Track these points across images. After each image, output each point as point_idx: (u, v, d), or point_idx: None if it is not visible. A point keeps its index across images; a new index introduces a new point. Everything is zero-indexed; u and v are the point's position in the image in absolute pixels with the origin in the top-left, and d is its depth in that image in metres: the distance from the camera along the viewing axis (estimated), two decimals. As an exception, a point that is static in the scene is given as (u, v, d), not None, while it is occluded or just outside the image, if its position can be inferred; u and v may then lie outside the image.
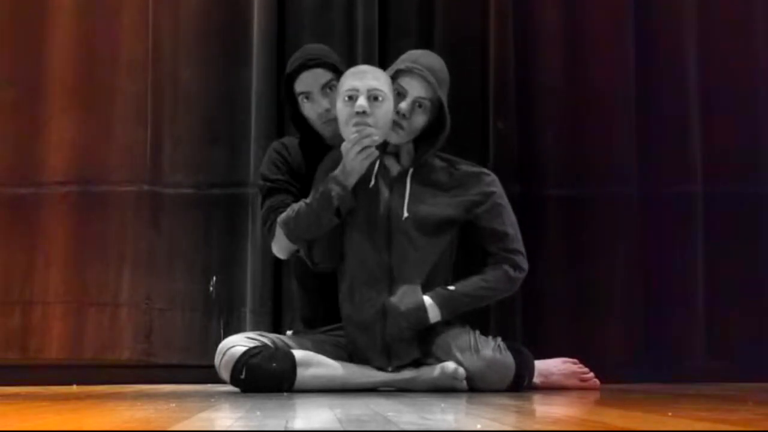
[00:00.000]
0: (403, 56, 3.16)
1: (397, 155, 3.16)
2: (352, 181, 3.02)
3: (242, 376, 2.98)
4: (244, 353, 3.00)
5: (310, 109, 3.25)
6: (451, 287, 3.07)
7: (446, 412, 2.05)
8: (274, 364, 2.99)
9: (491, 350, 3.02)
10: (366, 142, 2.96)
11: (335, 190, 2.99)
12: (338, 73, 3.21)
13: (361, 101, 2.99)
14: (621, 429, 1.69)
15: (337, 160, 3.07)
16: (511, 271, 3.11)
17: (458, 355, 2.99)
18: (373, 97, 3.00)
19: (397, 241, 3.08)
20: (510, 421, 1.85)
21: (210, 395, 2.83)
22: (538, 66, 3.97)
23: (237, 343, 3.04)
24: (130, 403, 2.50)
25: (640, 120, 3.92)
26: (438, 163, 3.17)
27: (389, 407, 2.17)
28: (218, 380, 3.23)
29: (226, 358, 3.02)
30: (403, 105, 3.05)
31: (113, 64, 3.98)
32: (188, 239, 3.92)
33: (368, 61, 3.68)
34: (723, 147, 3.93)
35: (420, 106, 3.09)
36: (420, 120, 3.10)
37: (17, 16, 4.00)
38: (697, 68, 3.95)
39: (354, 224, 3.09)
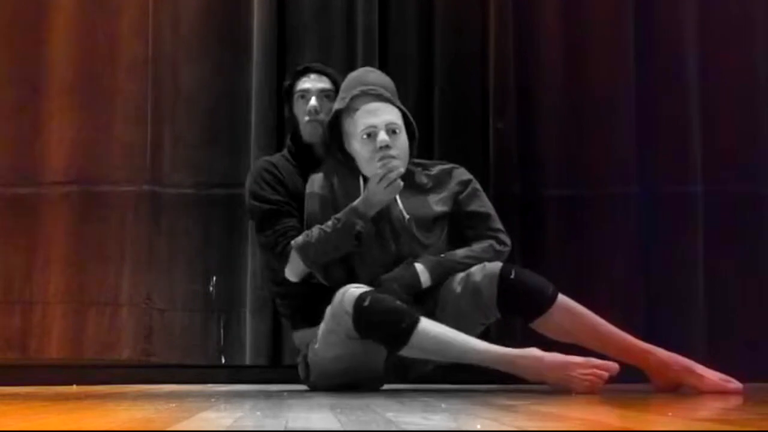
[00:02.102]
0: (350, 81, 3.20)
1: None
2: (373, 212, 3.08)
3: (365, 304, 2.86)
4: (370, 290, 2.93)
5: (301, 107, 3.30)
6: (441, 255, 3.13)
7: (447, 412, 2.05)
8: (398, 302, 2.91)
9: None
10: (393, 175, 3.04)
11: (359, 224, 3.05)
12: (336, 88, 3.27)
13: (383, 136, 3.08)
14: (621, 429, 1.69)
15: (324, 185, 3.15)
16: (496, 245, 3.18)
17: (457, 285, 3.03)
18: (391, 131, 3.10)
19: (405, 245, 3.14)
20: (510, 421, 1.85)
21: (210, 395, 2.82)
22: (538, 66, 3.97)
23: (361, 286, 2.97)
24: (130, 403, 2.50)
25: (640, 120, 3.92)
26: (413, 168, 3.23)
27: (390, 407, 2.17)
28: (218, 380, 3.22)
29: (350, 291, 2.92)
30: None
31: (113, 64, 3.99)
32: (188, 239, 3.92)
33: (368, 62, 3.71)
34: (723, 147, 3.93)
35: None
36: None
37: (17, 16, 4.01)
38: (697, 68, 3.95)
39: (363, 237, 3.10)
